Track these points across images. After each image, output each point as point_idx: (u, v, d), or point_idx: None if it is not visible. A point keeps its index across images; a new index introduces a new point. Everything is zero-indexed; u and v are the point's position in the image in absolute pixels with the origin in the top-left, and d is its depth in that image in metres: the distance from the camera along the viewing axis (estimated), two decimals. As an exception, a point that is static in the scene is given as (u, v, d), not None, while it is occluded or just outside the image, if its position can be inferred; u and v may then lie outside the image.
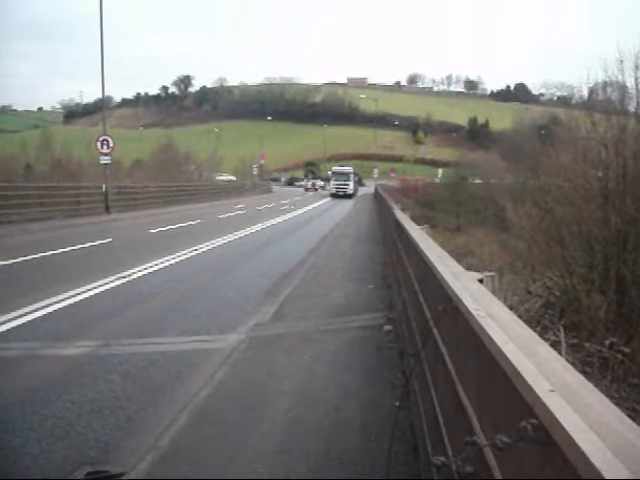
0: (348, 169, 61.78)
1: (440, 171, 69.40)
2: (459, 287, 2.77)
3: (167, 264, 12.64)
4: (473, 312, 2.21)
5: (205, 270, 12.46)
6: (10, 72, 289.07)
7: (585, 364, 7.22)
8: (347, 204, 44.07)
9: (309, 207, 38.85)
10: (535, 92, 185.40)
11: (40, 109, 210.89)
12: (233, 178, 74.43)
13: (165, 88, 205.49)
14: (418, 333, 4.47)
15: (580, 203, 10.93)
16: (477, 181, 46.55)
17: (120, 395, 5.32)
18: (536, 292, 10.20)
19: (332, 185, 60.60)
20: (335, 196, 57.26)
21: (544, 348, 1.85)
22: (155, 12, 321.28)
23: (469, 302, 2.40)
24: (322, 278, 11.92)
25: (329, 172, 68.82)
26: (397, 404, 5.09)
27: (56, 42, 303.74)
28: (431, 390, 3.43)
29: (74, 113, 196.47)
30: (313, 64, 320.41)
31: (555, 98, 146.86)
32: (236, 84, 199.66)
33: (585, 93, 15.96)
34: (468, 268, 4.39)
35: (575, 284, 10.01)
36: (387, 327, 7.81)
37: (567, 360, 1.97)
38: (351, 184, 59.36)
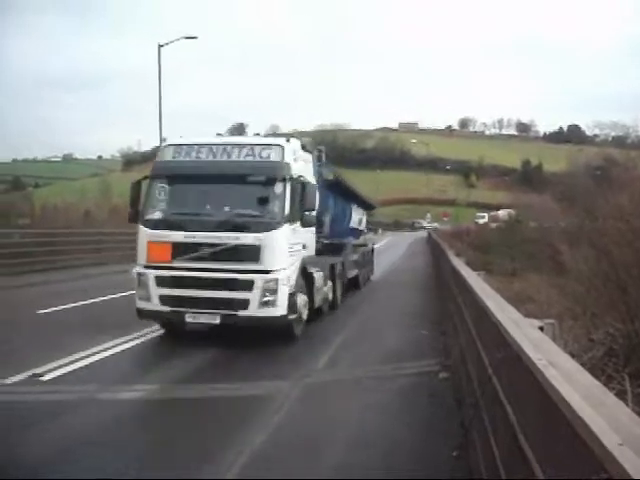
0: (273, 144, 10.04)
1: (486, 215, 68.60)
2: (519, 334, 2.74)
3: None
4: (535, 361, 2.18)
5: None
6: (71, 121, 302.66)
7: (652, 414, 6.91)
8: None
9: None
10: (589, 133, 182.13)
11: (100, 157, 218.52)
12: None
13: (219, 135, 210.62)
14: (476, 381, 4.39)
15: (639, 245, 10.62)
16: (532, 224, 45.72)
17: (177, 440, 5.35)
18: (598, 339, 9.87)
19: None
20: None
21: (610, 398, 1.82)
22: (210, 63, 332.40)
23: (530, 350, 2.37)
24: (375, 324, 11.84)
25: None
26: (454, 454, 4.98)
27: (116, 92, 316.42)
28: (491, 440, 3.36)
29: (132, 161, 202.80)
30: (364, 110, 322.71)
31: (610, 138, 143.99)
32: (289, 131, 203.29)
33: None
34: (527, 315, 4.31)
35: (638, 329, 9.64)
36: (443, 374, 7.68)
37: (634, 410, 1.91)
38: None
